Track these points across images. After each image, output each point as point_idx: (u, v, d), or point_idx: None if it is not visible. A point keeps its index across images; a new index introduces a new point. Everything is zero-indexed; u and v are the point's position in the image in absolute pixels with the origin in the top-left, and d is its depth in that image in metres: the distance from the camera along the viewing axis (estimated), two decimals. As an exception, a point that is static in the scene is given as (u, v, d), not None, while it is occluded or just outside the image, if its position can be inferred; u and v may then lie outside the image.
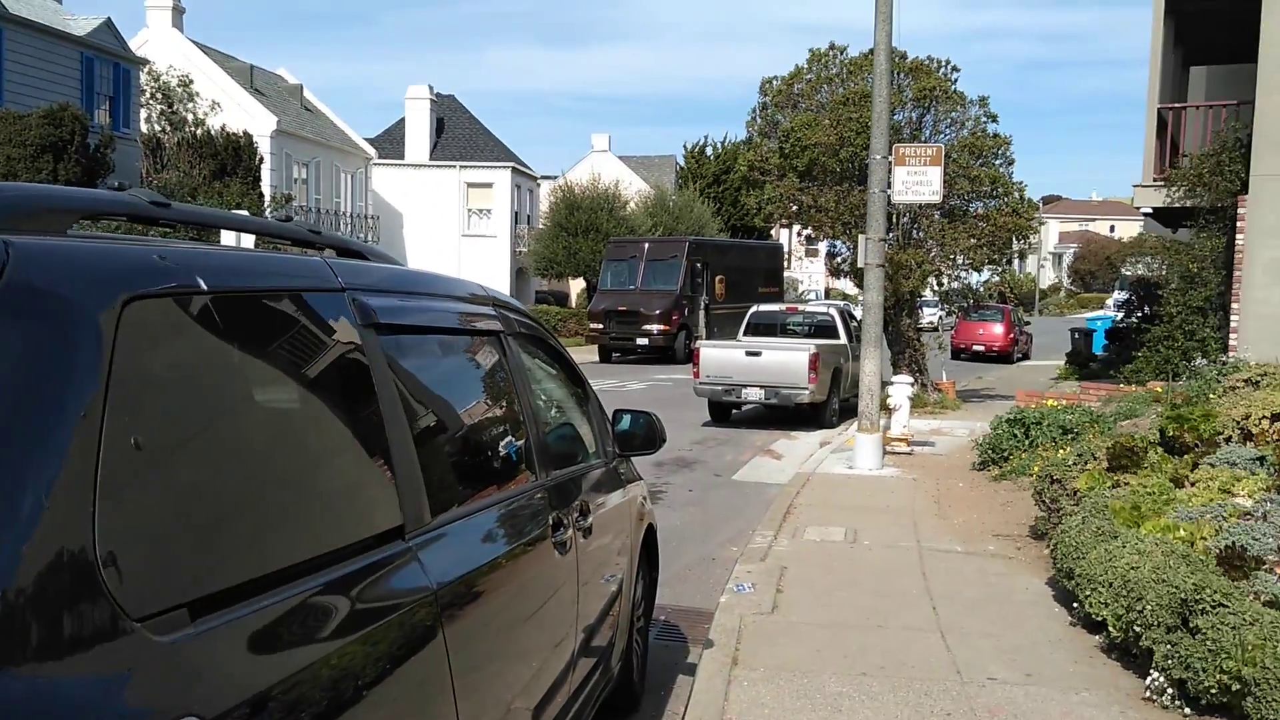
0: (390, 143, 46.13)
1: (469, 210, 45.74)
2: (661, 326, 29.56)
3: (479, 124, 48.54)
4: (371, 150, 43.45)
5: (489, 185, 45.75)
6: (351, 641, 2.20)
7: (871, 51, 15.05)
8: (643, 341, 29.66)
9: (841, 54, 21.76)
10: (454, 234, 44.93)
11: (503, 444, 3.68)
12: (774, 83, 22.01)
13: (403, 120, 46.56)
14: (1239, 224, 15.52)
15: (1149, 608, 5.35)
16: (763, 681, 5.50)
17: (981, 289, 23.44)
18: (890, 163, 12.96)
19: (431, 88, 46.37)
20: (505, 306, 3.97)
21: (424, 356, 3.18)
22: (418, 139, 45.99)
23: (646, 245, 32.53)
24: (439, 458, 3.02)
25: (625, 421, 5.21)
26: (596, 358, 29.82)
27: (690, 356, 18.30)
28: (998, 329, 33.81)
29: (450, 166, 45.64)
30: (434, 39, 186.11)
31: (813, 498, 10.81)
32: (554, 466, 3.97)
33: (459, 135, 47.17)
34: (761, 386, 16.30)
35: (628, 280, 31.13)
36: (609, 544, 4.76)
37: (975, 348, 33.54)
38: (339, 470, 2.42)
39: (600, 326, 30.36)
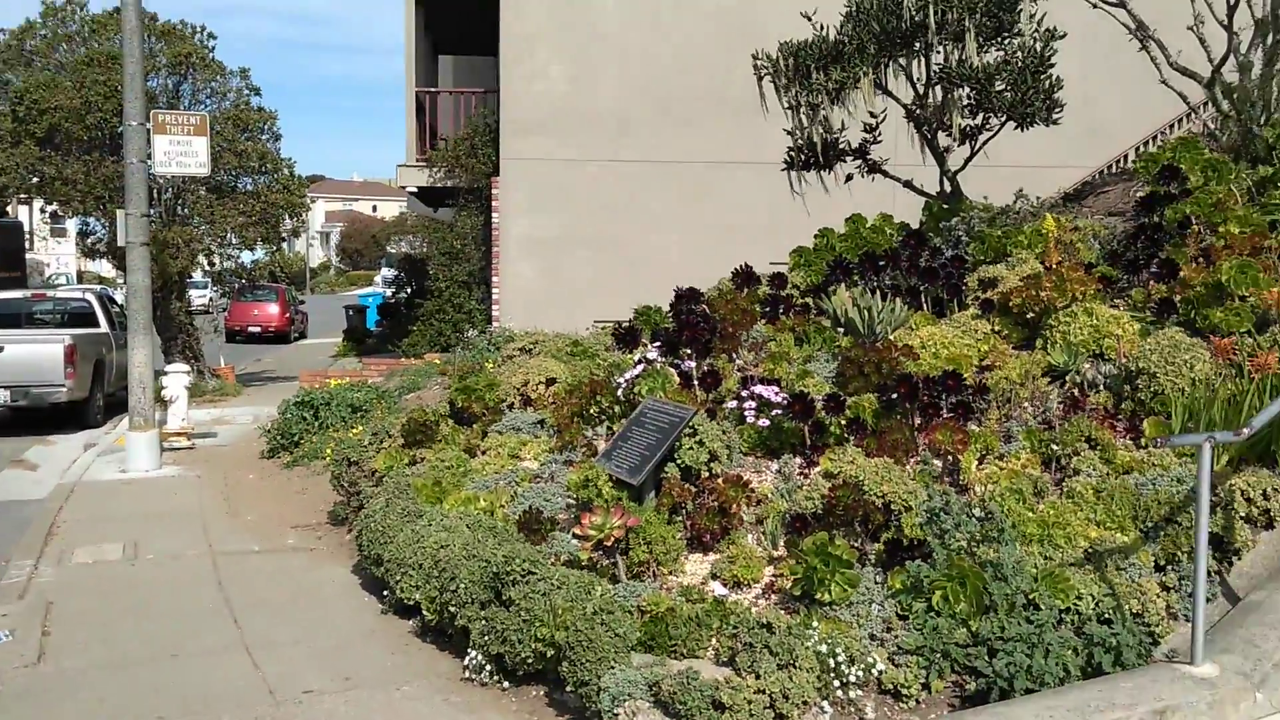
0: None
1: None
2: None
3: None
4: None
5: None
6: None
7: (118, 10, 13.54)
8: None
9: (82, 10, 19.71)
10: None
11: None
12: (-1, 36, 19.08)
13: None
14: (494, 203, 16.78)
15: (463, 585, 5.30)
16: (31, 759, 4.44)
17: (254, 268, 22.66)
18: (150, 130, 11.71)
19: None
20: None
21: None
22: None
23: None
24: None
25: None
26: None
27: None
28: (273, 309, 33.25)
29: None
30: None
31: (81, 512, 9.38)
32: None
33: None
34: (6, 387, 14.04)
35: None
36: None
37: (251, 329, 32.70)
38: None
39: None
